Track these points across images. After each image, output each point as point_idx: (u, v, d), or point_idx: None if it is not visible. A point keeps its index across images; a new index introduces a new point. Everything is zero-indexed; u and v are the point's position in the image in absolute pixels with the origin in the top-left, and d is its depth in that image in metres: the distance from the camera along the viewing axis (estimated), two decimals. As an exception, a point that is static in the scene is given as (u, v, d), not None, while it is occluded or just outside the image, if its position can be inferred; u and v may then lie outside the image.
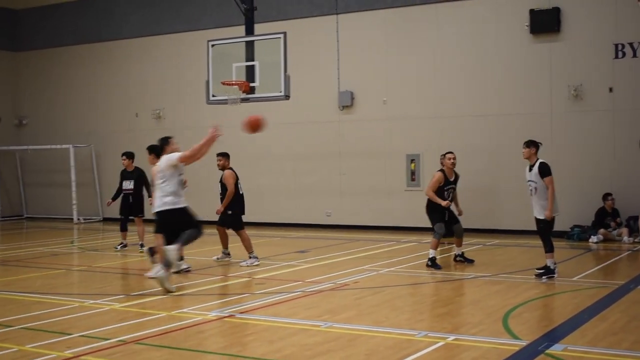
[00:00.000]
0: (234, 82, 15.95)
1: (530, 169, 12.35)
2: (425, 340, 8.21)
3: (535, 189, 12.26)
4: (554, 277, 12.05)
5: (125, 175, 16.91)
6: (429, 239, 17.98)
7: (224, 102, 16.37)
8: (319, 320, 9.31)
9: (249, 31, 17.37)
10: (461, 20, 19.84)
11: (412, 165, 20.30)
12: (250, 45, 16.42)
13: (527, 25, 18.78)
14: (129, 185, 16.79)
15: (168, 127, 24.20)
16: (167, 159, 11.79)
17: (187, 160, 11.67)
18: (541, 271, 12.18)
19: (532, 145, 12.39)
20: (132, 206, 16.71)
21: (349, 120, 21.20)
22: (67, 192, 25.35)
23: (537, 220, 12.33)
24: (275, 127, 22.12)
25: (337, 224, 21.03)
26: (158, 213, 11.78)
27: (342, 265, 14.15)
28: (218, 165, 14.88)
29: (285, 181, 22.07)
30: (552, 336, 8.36)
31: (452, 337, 8.30)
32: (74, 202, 24.99)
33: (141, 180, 16.76)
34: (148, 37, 24.70)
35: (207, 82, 16.63)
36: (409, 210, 20.08)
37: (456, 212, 14.22)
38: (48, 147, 25.96)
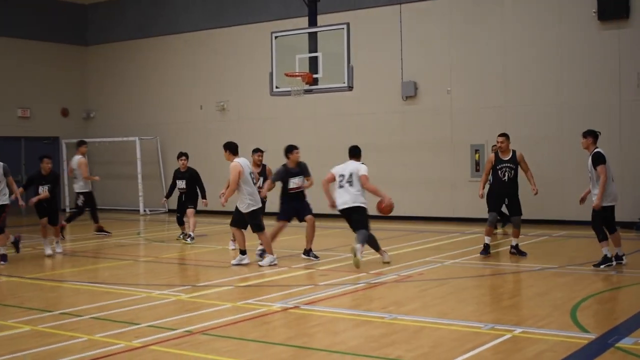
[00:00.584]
0: (297, 74, 15.98)
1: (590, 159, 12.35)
2: (492, 333, 8.13)
3: (591, 178, 12.36)
4: (612, 264, 12.06)
5: (178, 175, 17.28)
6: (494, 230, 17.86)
7: (287, 93, 16.42)
8: (384, 312, 9.30)
9: (312, 22, 17.36)
10: (527, 7, 19.54)
11: (477, 155, 20.10)
12: (313, 37, 16.41)
13: (594, 12, 18.40)
14: (182, 184, 17.16)
15: (232, 119, 24.44)
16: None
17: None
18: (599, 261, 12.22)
19: (589, 135, 12.43)
20: (185, 202, 17.25)
21: (413, 111, 21.08)
22: (133, 184, 25.77)
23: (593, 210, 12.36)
24: (338, 118, 22.17)
25: (401, 216, 20.90)
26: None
27: (406, 256, 14.10)
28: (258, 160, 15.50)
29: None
30: (622, 329, 8.21)
31: (518, 330, 8.20)
32: (140, 193, 25.38)
33: (193, 180, 17.16)
34: (211, 29, 24.93)
35: (271, 74, 16.67)
36: (473, 201, 19.81)
37: (532, 191, 14.21)
38: (115, 139, 26.41)
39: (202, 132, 25.12)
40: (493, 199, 14.02)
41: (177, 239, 17.24)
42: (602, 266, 12.06)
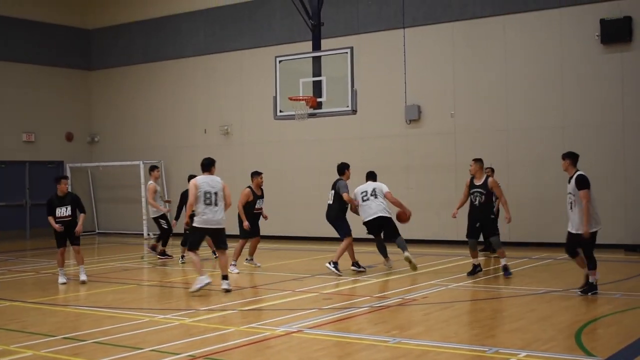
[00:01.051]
0: (301, 98, 16.02)
1: (569, 181, 12.27)
2: (496, 357, 8.09)
3: (574, 202, 12.14)
4: (597, 293, 11.84)
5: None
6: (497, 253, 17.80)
7: (291, 117, 16.45)
8: (388, 335, 9.26)
9: (316, 47, 17.41)
10: (529, 31, 19.61)
11: (481, 178, 20.06)
12: (317, 61, 16.46)
13: (597, 35, 18.46)
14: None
15: (236, 142, 24.49)
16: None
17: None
18: (584, 288, 11.99)
19: (568, 157, 12.35)
20: None
21: (416, 134, 21.11)
22: (137, 208, 25.79)
23: (574, 235, 12.11)
24: (342, 141, 22.20)
25: (404, 238, 20.84)
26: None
27: (410, 280, 14.07)
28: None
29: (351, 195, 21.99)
30: (627, 353, 8.17)
31: (523, 354, 8.16)
32: (144, 217, 25.38)
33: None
34: (215, 54, 25.04)
35: (275, 98, 16.73)
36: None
37: (505, 219, 14.75)
38: (119, 163, 26.47)
39: (205, 156, 25.04)
40: (468, 224, 14.61)
41: (182, 263, 17.24)
42: (590, 294, 11.79)
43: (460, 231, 20.25)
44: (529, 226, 19.14)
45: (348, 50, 15.89)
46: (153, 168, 18.42)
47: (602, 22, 18.32)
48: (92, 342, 9.25)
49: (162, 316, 10.90)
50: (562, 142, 19.02)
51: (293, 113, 16.25)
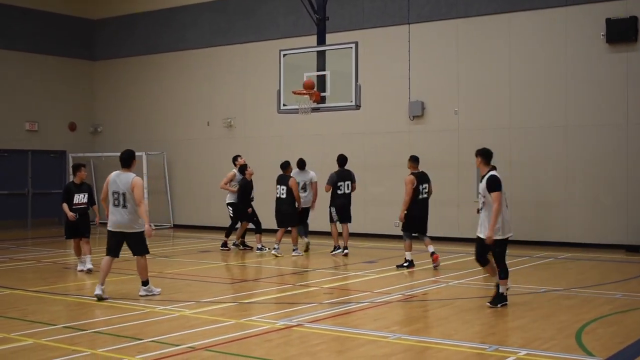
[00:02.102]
0: (305, 92, 16.01)
1: (481, 180, 11.03)
2: (496, 355, 8.09)
3: (484, 203, 10.89)
4: (507, 305, 10.89)
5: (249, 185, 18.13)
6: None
7: (294, 111, 16.44)
8: (388, 331, 9.26)
9: (321, 41, 17.41)
10: (535, 29, 19.57)
11: (483, 176, 20.04)
12: (321, 55, 16.45)
13: (603, 35, 18.42)
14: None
15: (239, 135, 24.48)
16: None
17: None
18: (493, 298, 11.01)
19: (480, 154, 11.12)
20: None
21: (420, 131, 21.09)
22: (139, 199, 25.76)
23: (483, 240, 10.90)
24: (345, 137, 22.17)
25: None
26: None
27: (410, 276, 14.07)
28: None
29: (354, 192, 21.98)
30: (628, 353, 8.16)
31: (523, 352, 8.16)
32: (146, 208, 25.23)
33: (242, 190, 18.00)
34: (219, 46, 25.01)
35: (279, 92, 16.72)
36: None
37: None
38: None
39: (208, 149, 25.16)
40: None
41: (269, 253, 17.47)
42: (499, 306, 10.81)
43: (462, 228, 20.32)
44: (530, 225, 19.13)
45: (353, 45, 15.86)
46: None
47: (608, 21, 18.29)
48: (92, 332, 9.26)
49: (162, 307, 10.91)
50: (564, 142, 19.02)
51: (297, 107, 16.24)
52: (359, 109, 16.24)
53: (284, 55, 16.87)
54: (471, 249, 18.19)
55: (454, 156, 20.54)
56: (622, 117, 18.32)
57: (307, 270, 14.93)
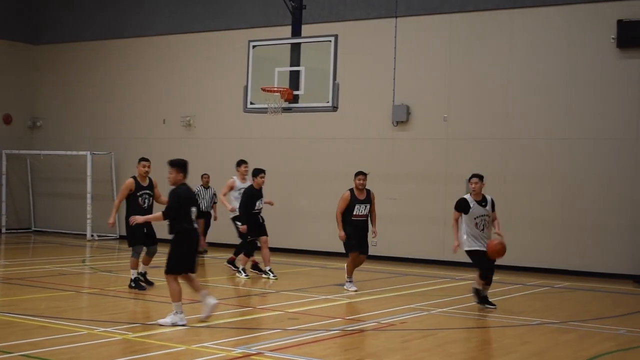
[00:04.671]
0: (275, 89, 15.94)
1: (483, 203, 13.54)
2: (482, 394, 8.05)
3: (487, 222, 13.61)
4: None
5: (255, 193, 16.98)
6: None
7: (263, 110, 16.36)
8: (360, 364, 9.21)
9: (296, 32, 17.36)
10: (538, 29, 19.66)
11: (473, 192, 20.08)
12: (296, 48, 16.39)
13: (613, 38, 18.54)
14: (260, 205, 16.98)
15: (199, 136, 24.37)
16: None
17: None
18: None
19: (481, 179, 13.63)
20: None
21: (404, 138, 21.10)
22: (81, 205, 25.56)
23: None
24: (319, 141, 22.16)
25: (385, 255, 20.87)
26: None
27: (388, 302, 14.03)
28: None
29: (328, 204, 21.85)
30: (631, 397, 8.15)
31: (513, 392, 8.13)
32: (89, 216, 25.16)
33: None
34: (180, 34, 24.89)
35: (246, 88, 16.64)
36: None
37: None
38: (63, 153, 26.21)
39: (163, 150, 24.91)
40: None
41: (264, 275, 16.92)
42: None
43: (446, 249, 20.32)
44: (525, 248, 19.16)
45: (332, 39, 15.83)
46: (241, 163, 18.05)
47: (620, 23, 18.40)
48: (20, 355, 9.11)
49: (103, 329, 10.77)
50: (566, 156, 19.11)
51: (265, 106, 16.17)
52: (335, 110, 16.19)
53: (254, 47, 16.79)
54: (457, 274, 18.29)
55: (441, 168, 20.56)
56: (632, 131, 18.43)
57: (271, 292, 14.83)
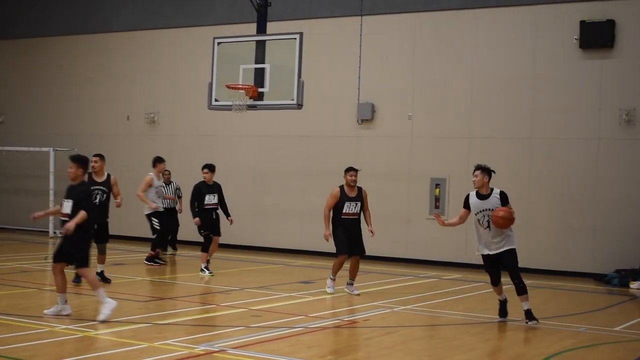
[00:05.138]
0: (240, 86, 15.92)
1: (486, 198, 12.37)
2: (443, 391, 8.09)
3: (489, 222, 12.14)
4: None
5: (205, 188, 17.03)
6: (452, 274, 17.97)
7: (228, 108, 16.34)
8: (322, 361, 9.23)
9: (261, 30, 17.34)
10: (502, 29, 19.79)
11: (437, 190, 20.20)
12: (261, 46, 16.39)
13: (576, 39, 18.71)
14: (213, 199, 17.03)
15: (163, 133, 24.25)
16: None
17: None
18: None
19: (486, 171, 12.69)
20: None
21: (368, 136, 21.14)
22: (43, 201, 25.28)
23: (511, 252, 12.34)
24: (283, 139, 22.14)
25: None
26: None
27: (351, 300, 14.06)
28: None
29: (291, 202, 21.99)
30: (590, 394, 8.23)
31: (474, 389, 8.18)
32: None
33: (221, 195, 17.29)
34: (145, 30, 24.75)
35: (210, 85, 16.60)
36: (430, 241, 19.98)
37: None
38: (26, 149, 25.98)
39: (127, 147, 24.85)
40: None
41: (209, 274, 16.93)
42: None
43: (409, 247, 20.41)
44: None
45: (297, 36, 15.83)
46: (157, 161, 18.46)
47: (582, 24, 18.57)
48: (-21, 352, 9.04)
49: (64, 326, 10.70)
50: (529, 155, 19.25)
51: (230, 103, 16.15)
52: (300, 108, 16.20)
53: (219, 43, 16.76)
54: (421, 272, 18.37)
55: (405, 167, 20.63)
56: (593, 132, 18.61)
57: (234, 289, 14.81)
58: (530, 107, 19.32)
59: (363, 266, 16.12)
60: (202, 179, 16.86)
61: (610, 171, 18.46)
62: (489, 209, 12.09)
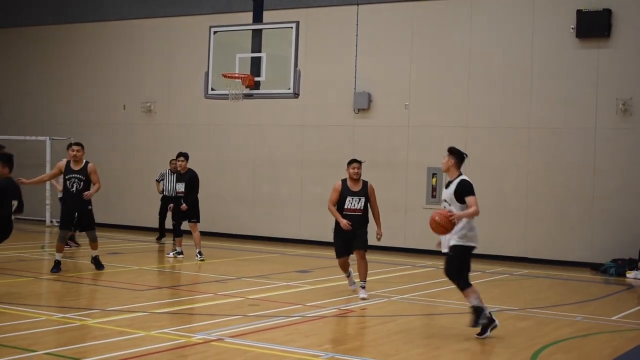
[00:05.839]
0: (236, 75, 15.91)
1: (448, 186, 10.54)
2: (440, 379, 8.12)
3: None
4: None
5: (179, 177, 17.74)
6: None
7: (224, 97, 16.33)
8: (320, 349, 9.24)
9: (257, 18, 17.31)
10: (498, 18, 19.79)
11: (434, 180, 20.22)
12: (257, 35, 16.36)
13: (572, 28, 18.71)
14: (181, 187, 17.61)
15: (160, 122, 24.23)
16: None
17: None
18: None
19: (453, 154, 10.56)
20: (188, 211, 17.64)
21: (365, 126, 21.14)
22: (40, 191, 25.31)
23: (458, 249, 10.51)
24: (280, 129, 22.13)
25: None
26: None
27: (348, 289, 14.06)
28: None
29: (288, 191, 22.00)
30: (586, 382, 8.26)
31: (471, 377, 8.21)
32: (47, 202, 24.95)
33: (193, 184, 17.59)
34: (141, 19, 24.72)
35: (207, 74, 16.59)
36: (428, 230, 19.88)
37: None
38: (22, 138, 25.94)
39: (123, 136, 24.83)
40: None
41: (173, 256, 17.56)
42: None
43: (408, 238, 20.44)
44: (485, 237, 19.15)
45: (293, 25, 15.82)
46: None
47: (579, 13, 18.58)
48: (-23, 341, 9.05)
49: (62, 315, 10.72)
50: (526, 145, 19.27)
51: (227, 92, 16.14)
52: (297, 97, 16.20)
53: (215, 32, 16.74)
54: (418, 261, 18.39)
55: (402, 156, 20.64)
56: (590, 121, 18.62)
57: (231, 279, 14.83)
58: (527, 96, 19.33)
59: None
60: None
61: (606, 161, 18.48)
62: (445, 200, 10.52)
